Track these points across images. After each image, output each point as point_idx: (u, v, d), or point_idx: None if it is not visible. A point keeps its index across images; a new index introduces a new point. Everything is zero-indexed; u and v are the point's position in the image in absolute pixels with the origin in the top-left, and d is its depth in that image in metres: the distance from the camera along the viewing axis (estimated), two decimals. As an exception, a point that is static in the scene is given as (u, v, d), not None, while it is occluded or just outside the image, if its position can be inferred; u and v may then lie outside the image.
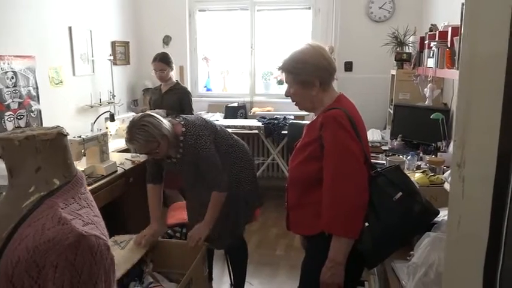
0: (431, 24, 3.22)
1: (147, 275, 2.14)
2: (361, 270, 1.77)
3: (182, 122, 2.29)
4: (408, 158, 2.95)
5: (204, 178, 2.34)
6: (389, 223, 1.54)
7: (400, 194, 1.56)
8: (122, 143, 4.23)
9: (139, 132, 2.07)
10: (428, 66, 3.06)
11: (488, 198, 0.82)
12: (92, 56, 4.43)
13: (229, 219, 2.48)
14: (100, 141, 3.01)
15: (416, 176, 2.16)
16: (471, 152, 0.84)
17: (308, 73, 1.66)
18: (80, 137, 2.83)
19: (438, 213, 1.61)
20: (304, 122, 4.23)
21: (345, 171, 1.56)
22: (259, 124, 4.61)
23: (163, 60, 3.69)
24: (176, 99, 3.71)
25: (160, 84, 3.82)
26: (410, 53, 3.94)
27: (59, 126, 0.88)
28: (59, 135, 0.85)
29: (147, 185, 2.53)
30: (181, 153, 2.29)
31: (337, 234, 1.57)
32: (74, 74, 4.17)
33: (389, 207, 1.55)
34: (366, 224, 1.58)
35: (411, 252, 1.66)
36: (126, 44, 5.08)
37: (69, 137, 2.27)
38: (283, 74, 1.74)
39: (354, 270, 1.67)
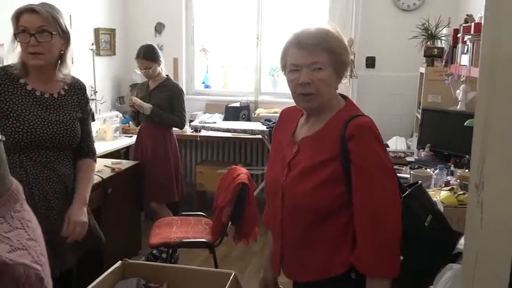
0: (467, 15, 3.17)
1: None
2: None
3: None
4: (436, 172, 2.89)
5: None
6: (424, 252, 1.51)
7: (430, 216, 1.52)
8: (102, 147, 4.23)
9: None
10: (461, 64, 3.02)
11: (513, 228, 0.77)
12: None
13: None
14: (74, 145, 2.97)
15: (442, 195, 2.11)
16: (493, 170, 0.79)
17: (347, 57, 1.54)
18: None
19: (461, 235, 1.57)
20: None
21: (387, 193, 1.46)
22: (264, 128, 4.57)
23: (147, 57, 3.63)
24: (165, 97, 3.68)
25: (149, 79, 3.80)
26: (443, 48, 3.89)
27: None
28: (-11, 139, 0.80)
29: None
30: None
31: (385, 276, 1.45)
32: (49, 66, 4.16)
33: (422, 235, 1.51)
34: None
35: (430, 287, 1.61)
36: (111, 32, 5.09)
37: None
38: (313, 53, 1.49)
39: None
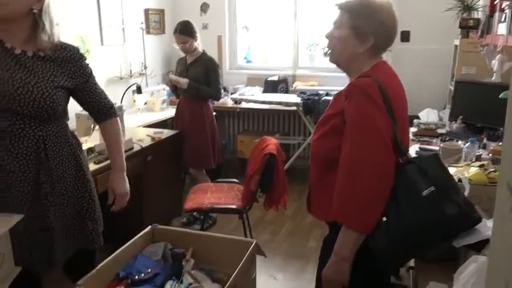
0: (507, -19, 2.65)
1: (186, 274, 1.91)
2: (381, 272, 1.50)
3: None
4: (467, 145, 2.47)
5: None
6: (411, 222, 1.28)
7: (432, 188, 1.26)
8: (149, 117, 4.07)
9: None
10: (498, 33, 2.53)
11: None
12: (123, 25, 4.23)
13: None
14: (114, 116, 2.78)
15: (471, 172, 1.72)
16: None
17: (369, 24, 1.39)
18: (89, 111, 2.63)
19: (479, 220, 1.27)
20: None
21: (365, 150, 1.31)
22: (298, 100, 4.21)
23: (184, 32, 3.38)
24: (202, 70, 3.42)
25: (186, 54, 3.54)
26: (479, 19, 3.36)
27: None
28: None
29: None
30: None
31: (347, 225, 1.35)
32: (102, 44, 4.00)
33: (415, 203, 1.28)
34: (384, 218, 1.32)
35: (453, 275, 1.27)
36: (161, 12, 4.84)
37: (77, 111, 2.04)
38: (338, 12, 1.46)
39: (369, 271, 1.41)
